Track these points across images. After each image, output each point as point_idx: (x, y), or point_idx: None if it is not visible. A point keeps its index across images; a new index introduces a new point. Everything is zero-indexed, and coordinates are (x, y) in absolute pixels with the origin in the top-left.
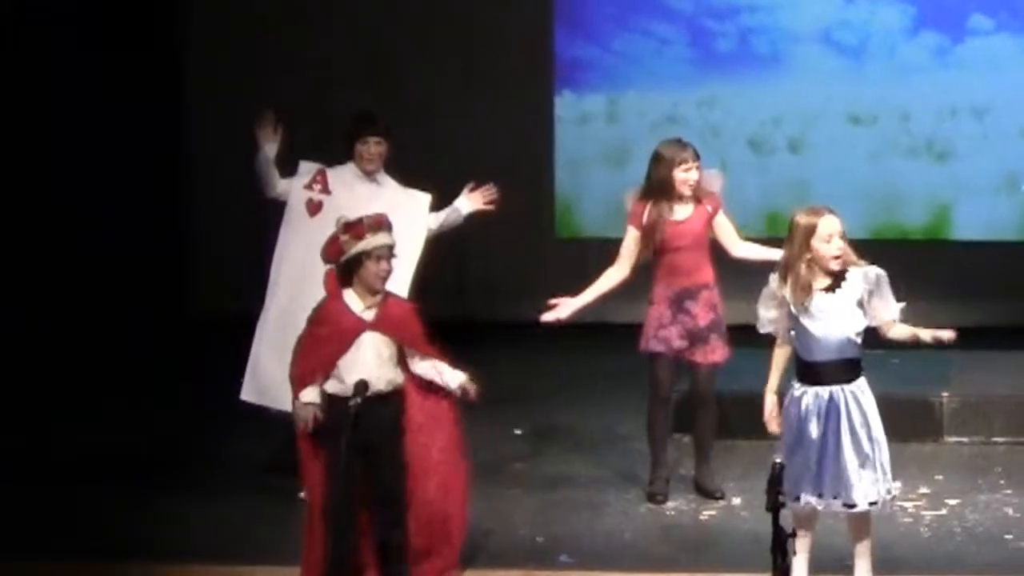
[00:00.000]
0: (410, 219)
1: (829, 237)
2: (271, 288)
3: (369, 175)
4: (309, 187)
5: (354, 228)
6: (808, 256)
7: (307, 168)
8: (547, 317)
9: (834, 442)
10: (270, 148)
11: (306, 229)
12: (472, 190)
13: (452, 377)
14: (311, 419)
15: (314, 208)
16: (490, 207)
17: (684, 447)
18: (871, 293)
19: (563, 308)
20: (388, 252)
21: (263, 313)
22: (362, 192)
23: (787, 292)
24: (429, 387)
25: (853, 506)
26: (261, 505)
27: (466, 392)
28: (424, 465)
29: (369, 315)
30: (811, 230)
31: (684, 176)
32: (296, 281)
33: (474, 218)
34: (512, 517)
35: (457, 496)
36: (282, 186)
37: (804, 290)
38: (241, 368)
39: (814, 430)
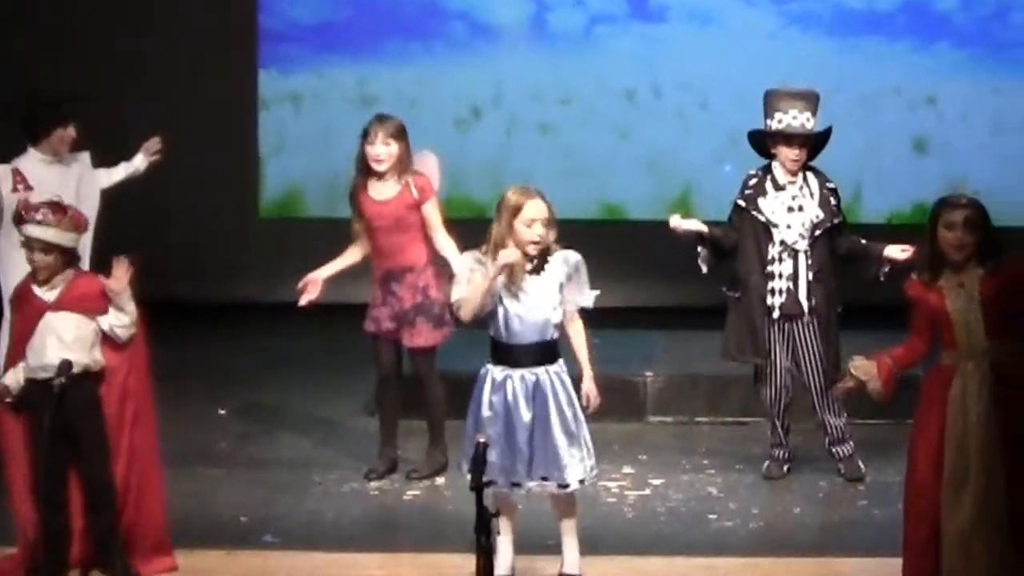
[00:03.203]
0: (91, 185)
1: (531, 222)
2: (5, 297)
3: (57, 156)
4: (15, 190)
5: (26, 210)
6: (511, 237)
7: (2, 172)
8: (303, 302)
9: (544, 424)
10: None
11: None
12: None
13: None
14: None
15: None
16: (155, 157)
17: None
18: (569, 277)
19: (312, 287)
20: (38, 244)
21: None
22: (54, 175)
23: (492, 268)
24: (120, 366)
25: (567, 486)
26: None
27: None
28: (116, 446)
29: (51, 296)
30: (516, 211)
31: (369, 149)
32: None
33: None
34: (216, 497)
35: (153, 475)
36: None
37: (514, 272)
38: None
39: (525, 413)
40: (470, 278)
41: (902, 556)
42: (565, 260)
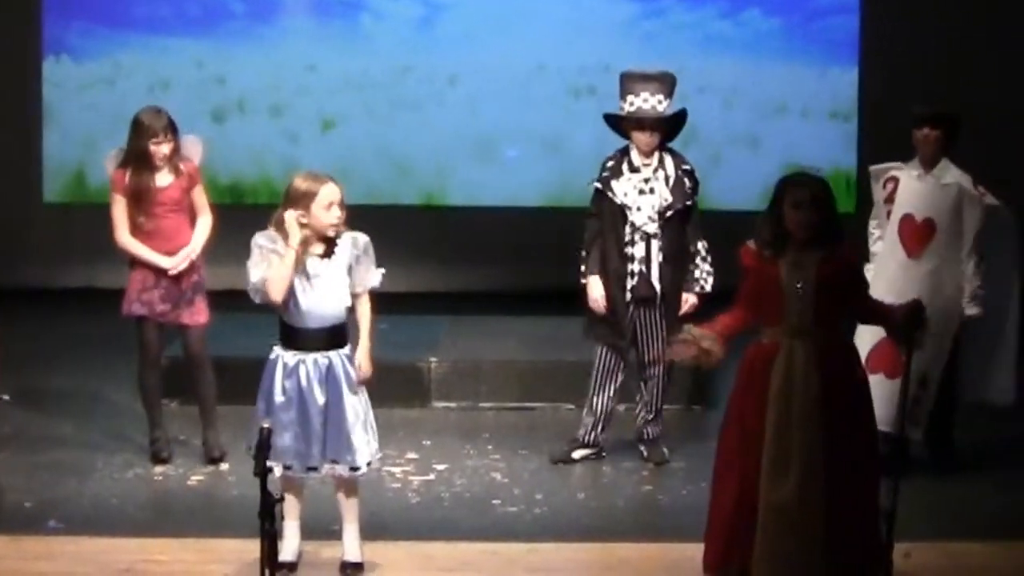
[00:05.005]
0: None
1: (329, 205)
2: None
3: None
4: None
5: None
6: (311, 222)
7: None
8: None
9: (337, 407)
10: None
11: None
12: None
13: None
14: None
15: None
16: None
17: (179, 412)
18: (358, 259)
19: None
20: None
21: None
22: None
23: (292, 240)
24: None
25: (358, 468)
26: None
27: None
28: None
29: None
30: (312, 197)
31: (155, 148)
32: None
33: None
34: None
35: None
36: None
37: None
38: None
39: (319, 397)
40: (267, 258)
41: (705, 538)
42: (354, 242)
